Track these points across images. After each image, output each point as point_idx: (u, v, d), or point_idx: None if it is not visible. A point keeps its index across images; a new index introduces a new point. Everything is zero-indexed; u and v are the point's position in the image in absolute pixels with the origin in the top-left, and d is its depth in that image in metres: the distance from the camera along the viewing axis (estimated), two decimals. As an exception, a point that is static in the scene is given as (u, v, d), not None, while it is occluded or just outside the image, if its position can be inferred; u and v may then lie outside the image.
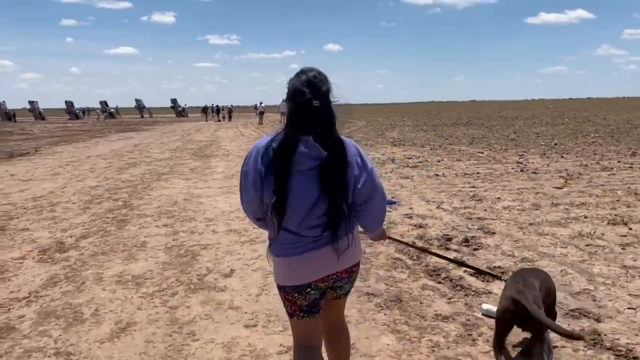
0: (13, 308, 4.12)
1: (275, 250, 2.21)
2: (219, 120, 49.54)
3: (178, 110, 72.14)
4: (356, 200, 2.18)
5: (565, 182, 9.00)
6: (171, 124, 45.49)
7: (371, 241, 3.44)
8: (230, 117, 50.38)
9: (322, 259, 2.16)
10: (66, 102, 70.17)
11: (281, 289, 2.24)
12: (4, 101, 65.58)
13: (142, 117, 69.74)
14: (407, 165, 11.90)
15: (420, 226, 6.29)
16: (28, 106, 66.43)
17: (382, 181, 2.29)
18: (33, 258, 5.44)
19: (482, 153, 14.28)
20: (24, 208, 8.08)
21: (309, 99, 2.03)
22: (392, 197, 8.05)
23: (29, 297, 4.34)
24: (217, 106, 54.35)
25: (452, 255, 4.99)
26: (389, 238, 2.97)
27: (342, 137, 2.17)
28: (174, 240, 6.01)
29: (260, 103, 41.97)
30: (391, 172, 11.00)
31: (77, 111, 68.34)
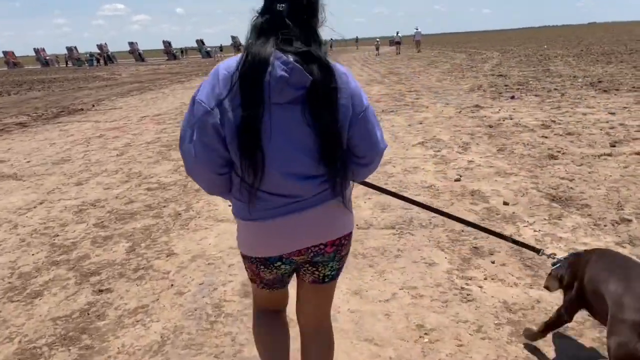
0: None
1: (240, 211, 1.58)
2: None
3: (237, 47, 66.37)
4: (349, 145, 1.57)
5: None
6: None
7: None
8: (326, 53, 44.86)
9: (302, 225, 1.56)
10: (164, 42, 68.97)
11: (245, 258, 1.71)
12: (105, 43, 65.95)
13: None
14: None
15: None
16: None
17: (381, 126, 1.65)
18: None
19: None
20: None
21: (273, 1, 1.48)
22: None
23: None
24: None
25: None
26: (362, 183, 2.03)
27: (330, 60, 1.50)
28: None
29: (397, 33, 42.60)
30: None
31: (174, 51, 67.23)
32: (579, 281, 2.08)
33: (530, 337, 2.37)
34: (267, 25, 1.46)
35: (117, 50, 76.11)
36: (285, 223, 1.54)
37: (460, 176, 5.21)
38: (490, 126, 7.72)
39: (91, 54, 62.64)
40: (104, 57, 59.98)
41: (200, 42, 67.90)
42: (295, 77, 1.40)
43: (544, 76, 14.58)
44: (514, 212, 4.10)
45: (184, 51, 75.18)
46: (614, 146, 5.96)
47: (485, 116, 8.67)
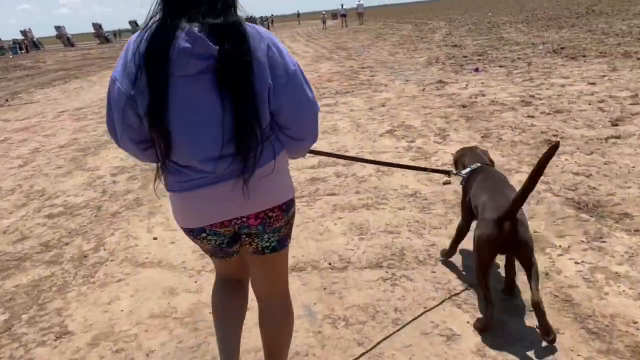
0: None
1: (167, 182, 1.55)
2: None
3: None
4: (275, 118, 1.48)
5: None
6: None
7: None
8: (268, 29, 43.50)
9: (217, 198, 1.50)
10: (94, 24, 65.27)
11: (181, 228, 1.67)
12: (29, 28, 61.59)
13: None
14: None
15: None
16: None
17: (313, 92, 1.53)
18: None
19: None
20: None
21: None
22: None
23: None
24: (251, 17, 46.10)
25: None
26: (311, 152, 1.99)
27: (248, 24, 1.42)
28: None
29: (342, 5, 41.05)
30: None
31: (106, 34, 63.72)
32: (467, 195, 2.53)
33: (445, 255, 2.86)
34: None
35: (46, 35, 71.46)
36: (200, 195, 1.50)
37: (449, 177, 4.16)
38: (464, 106, 6.72)
39: (15, 41, 58.19)
40: (26, 43, 55.62)
41: (134, 23, 64.06)
42: (198, 48, 1.31)
43: (500, 44, 13.79)
44: (535, 231, 3.08)
45: (116, 34, 71.30)
46: (617, 125, 5.07)
47: (453, 94, 7.68)
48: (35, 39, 60.12)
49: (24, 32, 60.32)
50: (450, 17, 36.32)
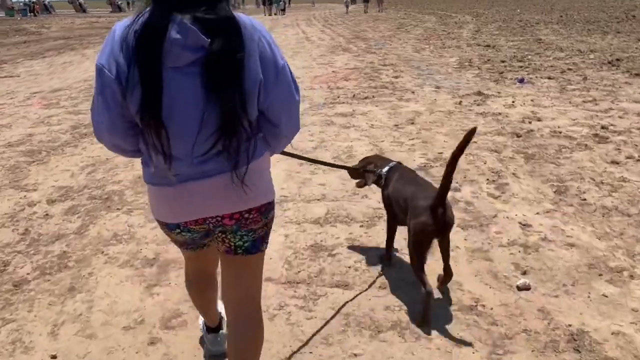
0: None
1: (146, 175, 1.55)
2: (273, 14, 40.05)
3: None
4: (265, 114, 1.48)
5: None
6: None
7: None
8: (284, 10, 41.32)
9: (195, 195, 1.47)
10: (107, -9, 63.69)
11: (156, 219, 1.63)
12: (38, -10, 60.11)
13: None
14: None
15: None
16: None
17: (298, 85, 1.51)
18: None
19: None
20: None
21: None
22: None
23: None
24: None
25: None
26: (282, 153, 1.88)
27: (237, 14, 1.40)
28: None
29: None
30: None
31: (119, 2, 62.39)
32: (388, 187, 2.69)
33: (388, 260, 2.88)
34: None
35: (59, -1, 70.08)
36: (179, 191, 1.46)
37: (524, 272, 2.73)
38: (518, 135, 5.25)
39: (25, 3, 56.79)
40: (37, 7, 54.11)
41: (148, -7, 62.58)
42: (190, 40, 1.29)
43: (541, 49, 12.19)
44: None
45: (130, 2, 69.64)
46: None
47: (500, 113, 6.19)
48: (47, 2, 58.76)
49: (36, -6, 58.88)
50: (476, 11, 34.47)
